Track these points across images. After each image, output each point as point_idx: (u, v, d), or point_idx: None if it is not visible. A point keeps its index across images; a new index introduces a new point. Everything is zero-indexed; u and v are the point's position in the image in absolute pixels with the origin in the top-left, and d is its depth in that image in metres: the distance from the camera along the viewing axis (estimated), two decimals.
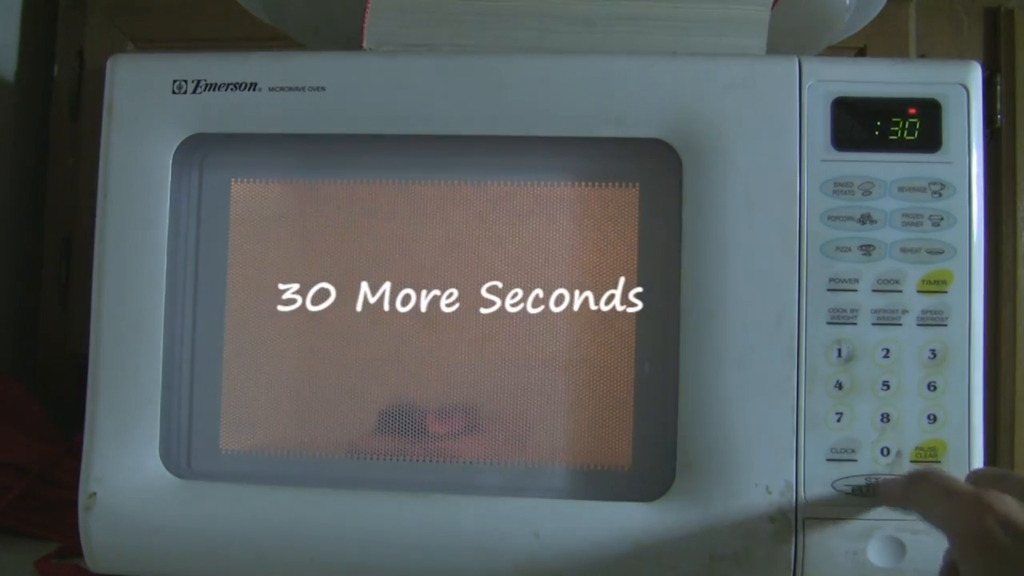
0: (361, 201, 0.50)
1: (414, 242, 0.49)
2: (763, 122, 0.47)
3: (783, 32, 0.53)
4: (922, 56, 0.85)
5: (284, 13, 0.62)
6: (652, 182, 0.48)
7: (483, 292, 0.49)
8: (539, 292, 0.49)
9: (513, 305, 0.49)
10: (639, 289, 0.48)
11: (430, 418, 0.49)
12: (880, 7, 0.61)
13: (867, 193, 0.46)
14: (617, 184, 0.49)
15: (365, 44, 0.52)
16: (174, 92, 0.49)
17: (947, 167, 0.46)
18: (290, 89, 0.49)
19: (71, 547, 0.57)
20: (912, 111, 0.47)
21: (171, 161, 0.49)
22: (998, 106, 0.85)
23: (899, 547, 0.45)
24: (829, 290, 0.46)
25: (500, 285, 0.49)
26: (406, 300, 0.49)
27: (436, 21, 0.52)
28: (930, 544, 0.45)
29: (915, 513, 0.41)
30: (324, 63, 0.49)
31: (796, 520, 0.45)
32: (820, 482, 0.46)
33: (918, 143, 0.47)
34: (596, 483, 0.48)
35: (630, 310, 0.48)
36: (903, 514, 0.45)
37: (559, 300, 0.49)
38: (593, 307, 0.48)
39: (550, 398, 0.48)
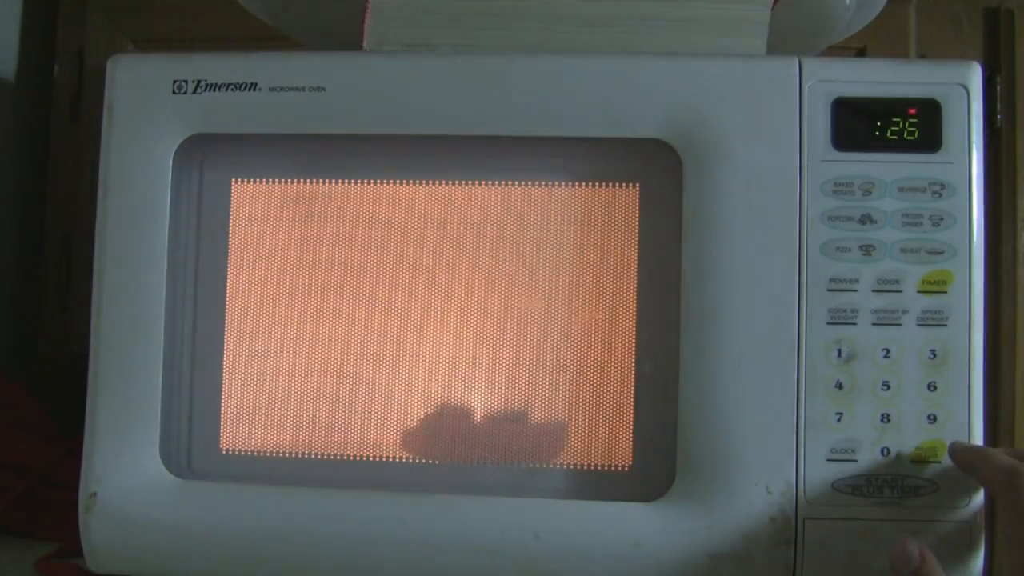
0: (361, 201, 0.50)
1: (414, 242, 0.49)
2: (763, 122, 0.47)
3: (783, 32, 0.53)
4: (922, 56, 0.85)
5: (284, 13, 0.62)
6: (652, 182, 0.48)
7: (483, 292, 0.49)
8: (539, 292, 0.49)
9: (513, 305, 0.49)
10: (639, 289, 0.48)
11: (430, 417, 0.49)
12: (880, 7, 0.61)
13: (867, 193, 0.46)
14: (617, 184, 0.49)
15: (365, 44, 0.52)
16: (174, 92, 0.49)
17: (947, 167, 0.46)
18: (290, 89, 0.49)
19: (71, 547, 0.57)
20: (912, 111, 0.47)
21: (171, 161, 0.49)
22: (998, 106, 0.85)
23: None
24: (829, 290, 0.46)
25: (500, 285, 0.49)
26: (406, 300, 0.49)
27: (436, 21, 0.52)
28: (930, 545, 0.45)
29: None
30: (324, 63, 0.49)
31: (796, 520, 0.45)
32: (820, 482, 0.46)
33: (918, 143, 0.47)
34: (596, 483, 0.48)
35: (630, 310, 0.48)
36: (904, 512, 0.45)
37: (559, 300, 0.49)
38: (593, 307, 0.48)
39: (550, 398, 0.48)
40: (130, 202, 0.49)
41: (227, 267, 0.50)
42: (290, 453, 0.50)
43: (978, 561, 0.45)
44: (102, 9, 0.88)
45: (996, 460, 0.43)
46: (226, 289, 0.50)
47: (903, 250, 0.46)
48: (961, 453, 0.45)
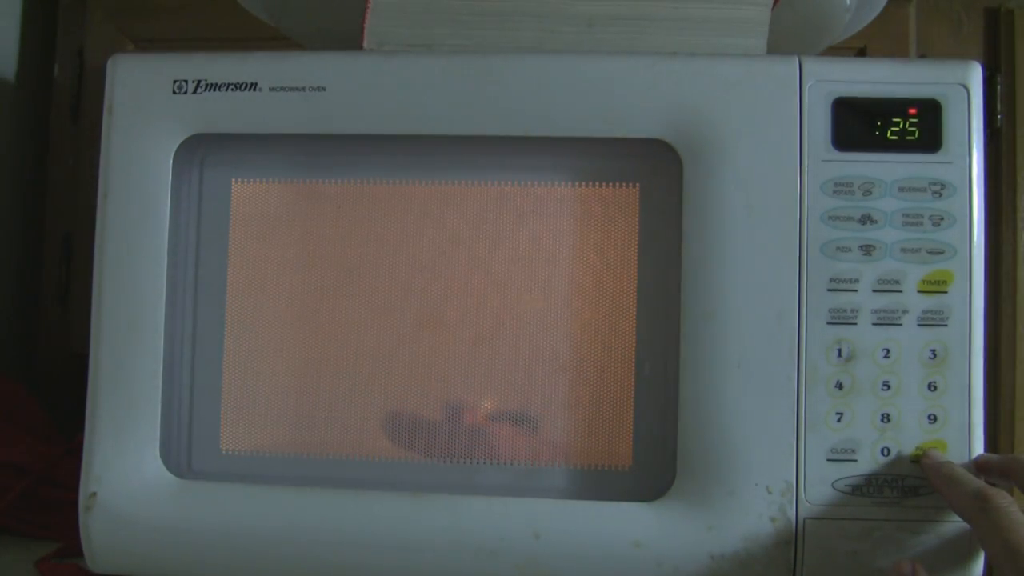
0: (361, 201, 0.50)
1: (414, 242, 0.49)
2: (763, 122, 0.47)
3: (783, 32, 0.53)
4: (922, 56, 0.85)
5: (284, 13, 0.62)
6: (652, 182, 0.48)
7: (483, 292, 0.49)
8: (539, 292, 0.49)
9: (513, 305, 0.49)
10: (639, 289, 0.48)
11: (430, 417, 0.49)
12: (880, 7, 0.61)
13: (867, 193, 0.46)
14: (617, 184, 0.49)
15: (365, 44, 0.52)
16: (174, 92, 0.49)
17: (947, 167, 0.46)
18: (290, 89, 0.49)
19: (71, 547, 0.57)
20: (912, 111, 0.47)
21: (171, 161, 0.49)
22: (998, 106, 0.85)
23: (899, 547, 0.45)
24: (829, 290, 0.46)
25: (500, 285, 0.49)
26: (406, 300, 0.49)
27: (436, 21, 0.52)
28: (930, 545, 0.45)
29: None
30: (324, 63, 0.49)
31: (796, 520, 0.45)
32: (820, 482, 0.46)
33: (918, 143, 0.47)
34: (596, 483, 0.48)
35: (630, 310, 0.48)
36: (904, 512, 0.45)
37: (559, 300, 0.49)
38: (593, 307, 0.48)
39: (550, 398, 0.48)
40: (130, 202, 0.49)
41: (227, 267, 0.50)
42: (290, 453, 0.50)
43: (978, 563, 0.45)
44: (102, 9, 0.88)
45: (964, 485, 0.42)
46: (226, 289, 0.50)
47: (903, 250, 0.46)
48: (929, 473, 0.45)
